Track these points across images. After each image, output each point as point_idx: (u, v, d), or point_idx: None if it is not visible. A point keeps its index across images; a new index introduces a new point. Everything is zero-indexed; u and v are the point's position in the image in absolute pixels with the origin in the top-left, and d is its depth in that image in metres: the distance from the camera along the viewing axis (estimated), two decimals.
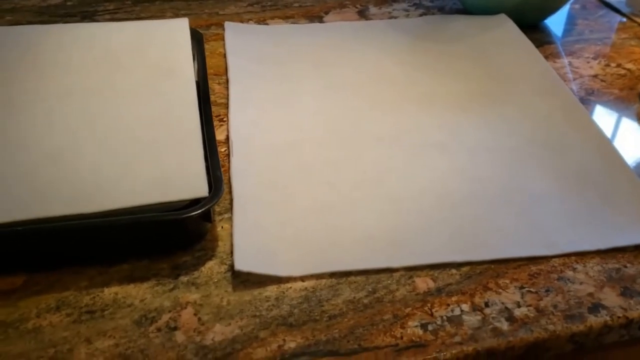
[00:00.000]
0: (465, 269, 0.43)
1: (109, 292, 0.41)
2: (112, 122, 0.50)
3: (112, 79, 0.54)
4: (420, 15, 0.79)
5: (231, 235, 0.45)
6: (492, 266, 0.44)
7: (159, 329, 0.39)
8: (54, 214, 0.41)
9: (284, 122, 0.56)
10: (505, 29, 0.71)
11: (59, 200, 0.42)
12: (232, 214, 0.47)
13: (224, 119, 0.58)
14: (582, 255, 0.45)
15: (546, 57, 0.69)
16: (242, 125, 0.55)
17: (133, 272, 0.42)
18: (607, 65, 0.70)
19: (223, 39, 0.72)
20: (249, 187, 0.49)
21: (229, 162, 0.52)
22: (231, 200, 0.48)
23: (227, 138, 0.55)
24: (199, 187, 0.43)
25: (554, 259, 0.44)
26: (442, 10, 0.81)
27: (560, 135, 0.56)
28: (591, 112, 0.61)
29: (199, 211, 0.41)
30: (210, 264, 0.43)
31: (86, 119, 0.50)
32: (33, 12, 0.79)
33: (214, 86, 0.63)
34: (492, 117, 0.58)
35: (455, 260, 0.44)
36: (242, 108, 0.57)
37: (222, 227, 0.46)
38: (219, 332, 0.39)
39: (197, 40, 0.63)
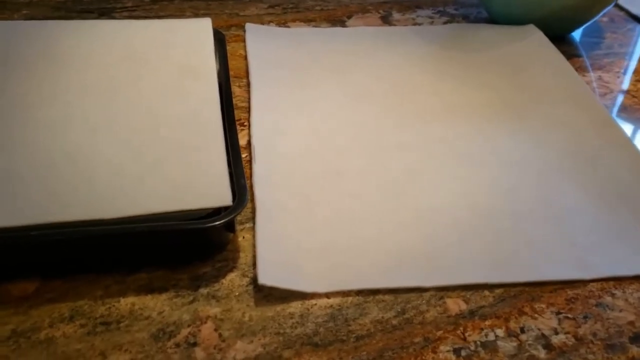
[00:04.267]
0: (499, 290, 0.41)
1: (126, 303, 0.39)
2: (133, 122, 0.48)
3: (133, 78, 0.53)
4: (445, 23, 0.77)
5: (253, 246, 0.43)
6: (527, 289, 0.42)
7: (177, 345, 0.37)
8: (70, 218, 0.39)
9: (306, 130, 0.54)
10: (534, 40, 0.70)
11: (76, 205, 0.40)
12: (254, 223, 0.45)
13: (245, 124, 0.56)
14: (620, 280, 0.43)
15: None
16: (263, 131, 0.53)
17: (151, 282, 0.41)
18: (638, 80, 0.68)
19: (243, 41, 0.70)
20: (272, 196, 0.47)
21: (250, 168, 0.50)
22: (253, 208, 0.46)
23: (249, 143, 0.54)
24: (223, 196, 0.42)
25: (591, 283, 0.42)
26: (467, 18, 0.79)
27: (593, 150, 0.54)
28: (624, 128, 0.59)
29: (223, 221, 0.39)
30: (231, 276, 0.41)
31: (106, 117, 0.48)
32: (50, 6, 0.77)
33: (235, 89, 0.61)
34: (522, 128, 0.56)
35: (490, 282, 0.42)
36: (264, 113, 0.55)
37: (243, 237, 0.44)
38: (240, 350, 0.37)
39: (220, 40, 0.61)
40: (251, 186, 0.48)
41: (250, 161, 0.51)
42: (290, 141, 0.53)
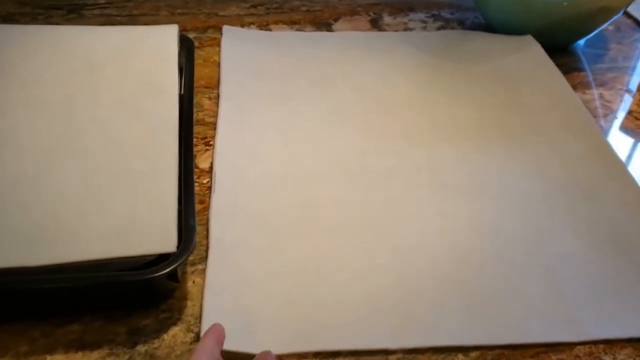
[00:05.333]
0: (474, 354, 0.37)
1: None
2: (84, 145, 0.44)
3: (90, 93, 0.48)
4: (439, 28, 0.72)
5: (202, 294, 0.39)
6: (506, 352, 0.37)
7: None
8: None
9: (279, 153, 0.50)
10: (532, 54, 0.64)
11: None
12: (206, 265, 0.40)
13: (211, 143, 0.52)
14: (611, 343, 0.38)
15: (574, 87, 0.62)
16: (229, 153, 0.48)
17: (84, 335, 0.36)
18: None
19: (220, 45, 0.65)
20: (233, 232, 0.42)
21: (209, 197, 0.45)
22: (207, 247, 0.41)
23: (212, 166, 0.49)
24: (166, 241, 0.37)
25: (578, 347, 0.38)
26: (462, 24, 0.73)
27: (587, 184, 0.49)
28: (624, 155, 0.54)
29: (162, 272, 0.35)
30: (174, 330, 0.37)
31: (54, 140, 0.44)
32: (16, 1, 0.72)
33: (204, 101, 0.57)
34: (513, 156, 0.52)
35: (465, 344, 0.37)
36: (232, 132, 0.51)
37: (193, 282, 0.40)
38: None
39: (188, 48, 0.56)
40: (207, 219, 0.43)
41: (210, 188, 0.47)
42: (258, 166, 0.48)
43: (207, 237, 0.42)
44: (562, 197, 0.48)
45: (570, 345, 0.38)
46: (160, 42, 0.54)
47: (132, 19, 0.70)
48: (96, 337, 0.36)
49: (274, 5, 0.76)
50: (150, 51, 0.52)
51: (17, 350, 0.35)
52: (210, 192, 0.46)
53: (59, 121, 0.45)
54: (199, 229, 0.43)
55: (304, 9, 0.76)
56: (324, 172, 0.48)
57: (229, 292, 0.38)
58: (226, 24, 0.69)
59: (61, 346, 0.36)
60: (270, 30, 0.70)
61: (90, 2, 0.73)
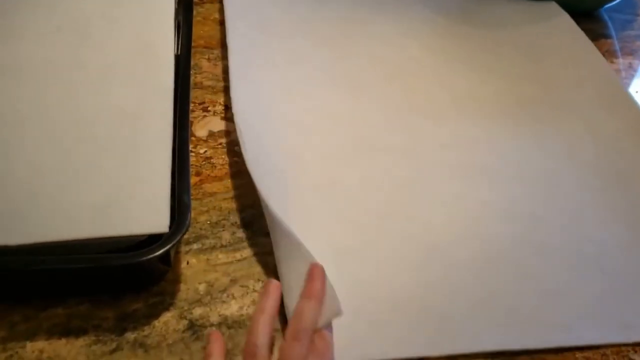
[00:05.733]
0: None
1: (32, 349, 0.32)
2: (67, 114, 0.40)
3: (76, 55, 0.44)
4: None
5: (198, 275, 0.36)
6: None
7: None
8: None
9: (290, 124, 0.46)
10: (559, 21, 0.60)
11: None
12: (202, 245, 0.37)
13: (209, 109, 0.48)
14: None
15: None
16: (246, 119, 0.44)
17: (69, 320, 0.33)
18: None
19: (220, 2, 0.61)
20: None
21: (209, 167, 0.42)
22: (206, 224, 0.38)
23: (210, 134, 0.46)
24: (158, 220, 0.34)
25: (625, 347, 0.35)
26: None
27: (630, 165, 0.45)
28: None
29: (152, 255, 0.32)
30: (166, 316, 0.34)
31: (36, 106, 0.40)
32: None
33: (202, 62, 0.53)
34: (548, 131, 0.48)
35: (505, 348, 0.34)
36: (246, 99, 0.46)
37: (187, 263, 0.37)
38: None
39: (186, 4, 0.52)
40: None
41: (208, 158, 0.44)
42: (271, 140, 0.44)
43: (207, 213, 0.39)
44: (600, 179, 0.44)
45: (618, 346, 0.35)
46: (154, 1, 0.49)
47: None
48: (81, 322, 0.33)
49: None
50: (142, 9, 0.48)
51: None
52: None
53: (38, 85, 0.41)
54: (194, 204, 0.40)
55: None
56: (339, 150, 0.44)
57: None
58: None
59: (43, 332, 0.33)
60: None
61: None
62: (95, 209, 0.34)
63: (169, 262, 0.35)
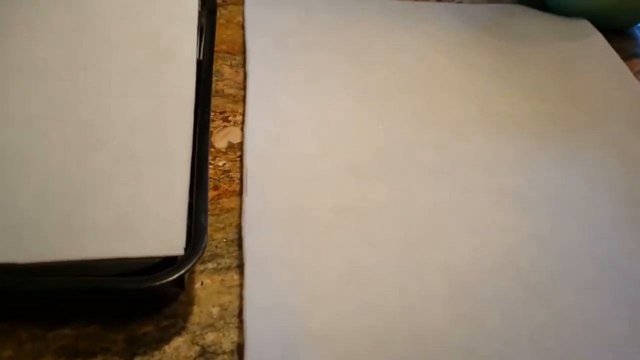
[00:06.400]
0: None
1: None
2: (80, 118, 0.39)
3: (94, 56, 0.43)
4: (488, 0, 0.65)
5: (211, 297, 0.35)
6: None
7: None
8: None
9: (314, 143, 0.44)
10: (591, 40, 0.58)
11: None
12: (217, 264, 0.36)
13: (229, 119, 0.47)
14: None
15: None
16: (260, 142, 0.43)
17: (77, 342, 0.32)
18: None
19: (243, 3, 0.59)
20: (265, 244, 0.37)
21: (239, 192, 0.41)
22: (240, 258, 0.37)
23: (230, 146, 0.44)
24: (173, 242, 0.32)
25: None
26: None
27: None
28: None
29: (167, 280, 0.31)
30: (177, 341, 0.33)
31: (48, 109, 0.39)
32: None
33: (224, 69, 0.51)
34: (581, 155, 0.46)
35: None
36: (261, 116, 0.45)
37: (201, 284, 0.36)
38: None
39: (209, 9, 0.51)
40: (242, 216, 0.38)
41: (226, 172, 0.42)
42: (291, 160, 0.42)
43: (239, 245, 0.38)
44: (636, 209, 0.42)
45: None
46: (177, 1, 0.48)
47: None
48: (90, 344, 0.32)
49: None
50: (165, 8, 0.47)
51: (0, 354, 0.31)
52: (241, 187, 0.41)
53: (55, 87, 0.40)
54: (210, 220, 0.38)
55: None
56: (363, 168, 0.43)
57: (270, 315, 0.33)
58: None
59: (50, 353, 0.32)
60: None
61: None
62: (108, 227, 0.33)
63: (182, 285, 0.34)
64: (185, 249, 0.32)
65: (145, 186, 0.35)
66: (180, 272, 0.31)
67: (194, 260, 0.32)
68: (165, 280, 0.30)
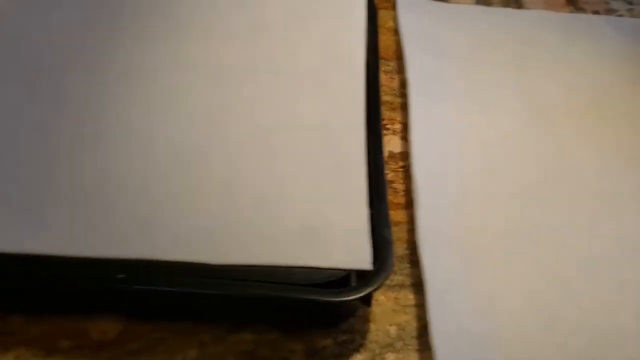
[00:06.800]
0: None
1: None
2: (258, 121, 0.38)
3: (267, 60, 0.42)
4: None
5: (387, 315, 0.34)
6: None
7: None
8: (166, 257, 0.31)
9: (480, 160, 0.42)
10: None
11: (172, 242, 0.31)
12: (410, 292, 0.35)
13: (388, 127, 0.45)
14: None
15: None
16: (426, 159, 0.41)
17: (256, 348, 0.32)
18: None
19: (393, 8, 0.58)
20: (441, 266, 0.35)
21: (406, 201, 0.40)
22: (415, 277, 0.35)
23: (391, 155, 0.43)
24: (359, 255, 0.32)
25: None
26: None
27: None
28: None
29: (357, 296, 0.30)
30: (357, 358, 0.32)
31: (226, 109, 0.39)
32: None
33: (380, 75, 0.50)
34: None
35: None
36: (426, 129, 0.43)
37: (376, 300, 0.34)
38: None
39: (370, 16, 0.49)
40: (416, 240, 0.37)
41: (390, 182, 0.41)
42: (459, 174, 0.41)
43: (410, 262, 0.37)
44: None
45: None
46: (345, 4, 0.47)
47: None
48: (270, 351, 0.32)
49: None
50: (333, 13, 0.46)
51: (185, 353, 0.31)
52: (413, 202, 0.39)
53: (231, 89, 0.40)
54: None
55: None
56: (533, 189, 0.40)
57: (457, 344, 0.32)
58: None
59: (230, 355, 0.31)
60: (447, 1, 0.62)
61: None
62: (293, 235, 0.32)
63: (369, 302, 0.32)
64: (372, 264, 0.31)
65: (325, 195, 0.35)
66: (371, 288, 0.30)
67: (385, 276, 0.31)
68: (357, 296, 0.30)
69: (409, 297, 0.35)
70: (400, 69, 0.50)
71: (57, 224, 0.31)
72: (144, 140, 0.36)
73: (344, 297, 0.30)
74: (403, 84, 0.48)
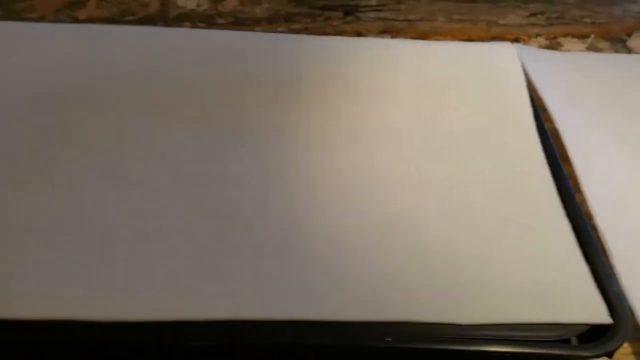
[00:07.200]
0: None
1: None
2: (446, 181, 0.40)
3: (434, 117, 0.44)
4: None
5: None
6: None
7: None
8: (422, 318, 0.32)
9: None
10: None
11: (424, 303, 0.33)
12: None
13: None
14: None
15: None
16: (604, 206, 0.43)
17: None
18: None
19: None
20: None
21: None
22: None
23: None
24: (595, 309, 0.33)
25: None
26: None
27: None
28: None
29: (611, 349, 0.31)
30: None
31: (411, 172, 0.41)
32: (291, 0, 0.71)
33: None
34: None
35: None
36: (593, 178, 0.45)
37: None
38: None
39: None
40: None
41: None
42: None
43: None
44: None
45: None
46: (498, 61, 0.49)
47: (410, 25, 0.67)
48: None
49: (555, 15, 0.70)
50: (490, 71, 0.48)
51: None
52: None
53: (415, 147, 0.42)
54: None
55: (588, 20, 0.69)
56: None
57: None
58: (510, 34, 0.64)
59: None
60: (560, 44, 0.64)
61: (363, 4, 0.71)
62: (519, 293, 0.34)
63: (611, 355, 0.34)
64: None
65: (538, 253, 0.36)
66: (619, 343, 0.31)
67: (626, 329, 0.32)
68: (609, 349, 0.31)
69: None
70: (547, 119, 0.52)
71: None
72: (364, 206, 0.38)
73: (599, 351, 0.31)
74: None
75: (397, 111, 0.44)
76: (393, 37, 0.63)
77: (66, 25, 0.53)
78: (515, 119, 0.45)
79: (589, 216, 0.42)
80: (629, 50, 0.64)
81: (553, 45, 0.64)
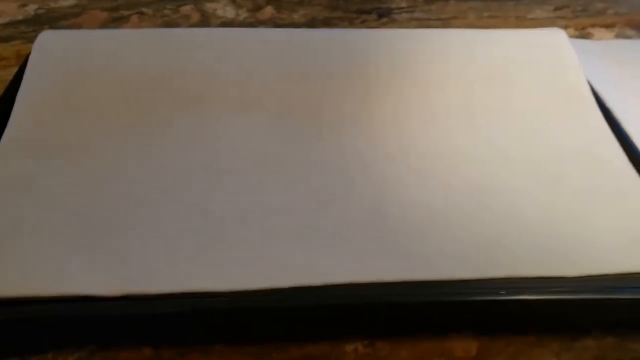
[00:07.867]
0: None
1: None
2: (530, 157, 0.42)
3: (500, 101, 0.47)
4: None
5: None
6: None
7: None
8: (529, 274, 0.34)
9: None
10: None
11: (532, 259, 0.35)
12: None
13: None
14: None
15: None
16: None
17: (605, 352, 0.35)
18: None
19: None
20: None
21: None
22: None
23: None
24: None
25: None
26: None
27: None
28: None
29: None
30: None
31: (497, 151, 0.43)
32: (324, 6, 0.74)
33: None
34: None
35: None
36: None
37: None
38: None
39: None
40: None
41: None
42: None
43: None
44: None
45: None
46: (553, 46, 0.51)
47: (445, 23, 0.70)
48: (620, 354, 0.35)
49: (579, 8, 0.73)
50: (546, 55, 0.50)
51: None
52: None
53: (490, 125, 0.44)
54: None
55: (611, 12, 0.72)
56: None
57: None
58: (541, 27, 0.67)
59: None
60: (590, 34, 0.67)
61: (394, 6, 0.74)
62: (622, 245, 0.36)
63: None
64: None
65: (625, 211, 0.38)
66: None
67: None
68: None
69: None
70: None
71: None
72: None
73: None
74: None
75: (467, 94, 0.46)
76: None
77: (146, 30, 0.55)
78: (577, 96, 0.47)
79: None
80: None
81: (583, 35, 0.67)
